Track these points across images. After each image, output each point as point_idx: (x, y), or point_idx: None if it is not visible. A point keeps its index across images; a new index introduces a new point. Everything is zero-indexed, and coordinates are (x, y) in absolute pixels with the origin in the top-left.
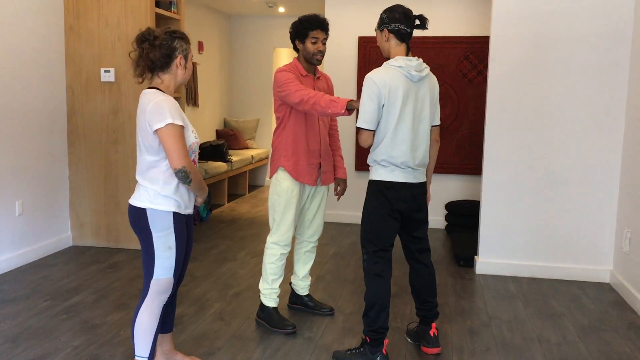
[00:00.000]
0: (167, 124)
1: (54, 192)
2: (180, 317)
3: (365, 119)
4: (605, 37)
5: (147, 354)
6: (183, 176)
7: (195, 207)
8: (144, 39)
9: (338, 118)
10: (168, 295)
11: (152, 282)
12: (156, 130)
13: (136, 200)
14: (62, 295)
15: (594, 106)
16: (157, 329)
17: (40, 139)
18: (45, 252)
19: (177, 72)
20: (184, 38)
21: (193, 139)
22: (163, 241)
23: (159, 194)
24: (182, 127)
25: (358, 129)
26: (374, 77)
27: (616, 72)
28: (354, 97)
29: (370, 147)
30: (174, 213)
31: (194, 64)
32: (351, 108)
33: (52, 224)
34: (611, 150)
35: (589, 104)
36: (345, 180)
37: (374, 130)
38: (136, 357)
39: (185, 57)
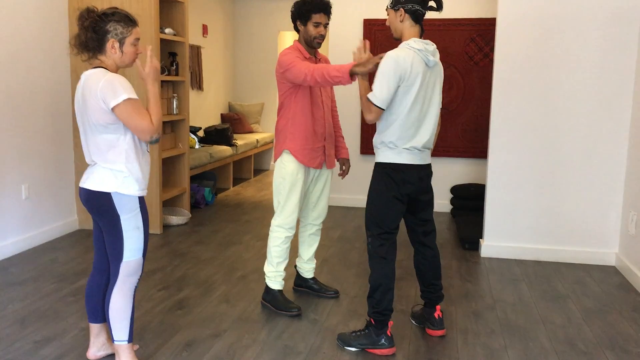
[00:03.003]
0: (124, 100)
1: (60, 175)
2: (187, 299)
3: (381, 98)
4: (613, 18)
5: (126, 337)
6: (156, 141)
7: (199, 190)
8: (78, 19)
9: (346, 94)
10: (138, 277)
11: (122, 265)
12: (113, 108)
13: (98, 184)
14: (69, 277)
15: (601, 88)
16: (132, 311)
17: (45, 122)
18: (51, 235)
19: (113, 56)
20: (121, 21)
21: None
22: (131, 222)
23: (125, 176)
24: (137, 99)
25: (370, 104)
26: (398, 58)
27: (624, 54)
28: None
29: (372, 123)
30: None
31: (198, 48)
32: (354, 73)
33: (58, 207)
34: (618, 133)
35: (596, 86)
36: (348, 160)
37: (384, 110)
38: (115, 342)
39: (121, 41)
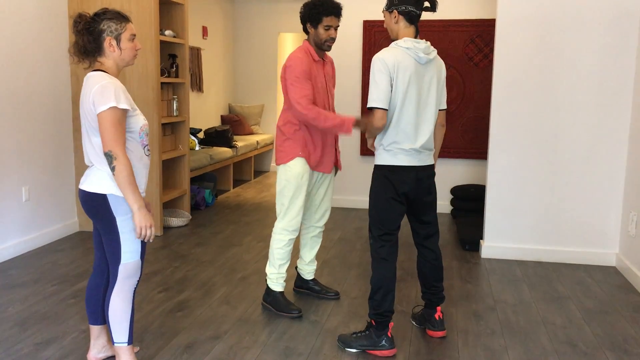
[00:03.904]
0: (109, 107)
1: (60, 177)
2: (187, 301)
3: (378, 98)
4: (613, 19)
5: (126, 340)
6: (108, 160)
7: (200, 192)
8: (73, 26)
9: (346, 95)
10: (137, 278)
11: (120, 267)
12: (98, 114)
13: (94, 186)
14: (70, 280)
15: (601, 89)
16: (132, 312)
17: (45, 125)
18: (52, 237)
19: (113, 55)
20: (114, 18)
21: (142, 121)
22: (127, 224)
23: None
24: (125, 110)
25: (371, 110)
26: (383, 56)
27: (624, 55)
28: (359, 82)
29: (382, 129)
30: None
31: (198, 50)
32: (364, 128)
33: (58, 210)
34: (618, 133)
35: (596, 86)
36: (338, 169)
37: (387, 110)
38: (115, 344)
39: (117, 38)
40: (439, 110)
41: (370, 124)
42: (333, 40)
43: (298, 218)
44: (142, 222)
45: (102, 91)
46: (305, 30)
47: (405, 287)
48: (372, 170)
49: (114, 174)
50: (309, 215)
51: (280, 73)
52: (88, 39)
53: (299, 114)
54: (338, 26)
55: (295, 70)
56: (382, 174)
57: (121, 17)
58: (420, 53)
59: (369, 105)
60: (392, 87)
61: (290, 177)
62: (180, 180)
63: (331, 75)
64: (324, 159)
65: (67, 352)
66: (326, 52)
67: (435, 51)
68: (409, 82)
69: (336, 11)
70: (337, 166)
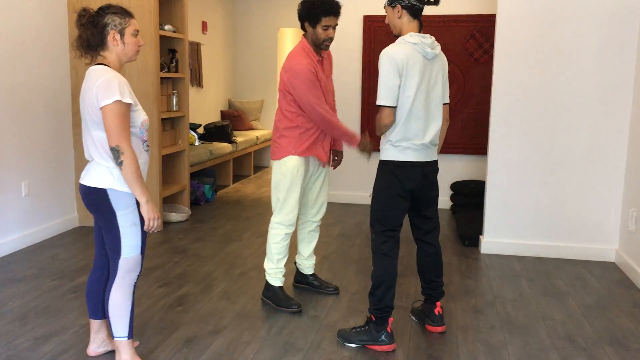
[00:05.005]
0: (114, 101)
1: (60, 172)
2: (186, 296)
3: (387, 96)
4: (613, 14)
5: (126, 334)
6: (115, 155)
7: (199, 187)
8: (77, 20)
9: (347, 91)
10: (138, 273)
11: (120, 261)
12: (102, 107)
13: (95, 180)
14: (70, 274)
15: (601, 85)
16: (132, 307)
17: (45, 120)
18: (51, 232)
19: (116, 49)
20: (118, 12)
21: (143, 116)
22: (128, 218)
23: (119, 173)
24: (129, 105)
25: (379, 107)
26: (391, 53)
27: (624, 50)
28: (359, 79)
29: (389, 126)
30: None
31: (198, 45)
32: (363, 149)
33: (58, 204)
34: (618, 129)
35: (596, 82)
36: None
37: (395, 107)
38: (115, 339)
39: (121, 32)
40: (443, 104)
41: (368, 140)
42: (331, 39)
43: (294, 212)
44: (150, 214)
45: (106, 85)
46: (303, 28)
47: (404, 283)
48: (377, 166)
49: (121, 169)
50: (305, 210)
51: (281, 72)
52: (92, 32)
53: (319, 116)
54: (337, 25)
55: (307, 77)
56: (389, 170)
57: (125, 12)
58: (427, 48)
59: (378, 103)
60: (400, 83)
61: (285, 171)
62: (179, 175)
63: (329, 71)
64: (316, 145)
65: (67, 347)
66: None
67: (439, 46)
68: (420, 78)
69: (335, 11)
70: (329, 160)
